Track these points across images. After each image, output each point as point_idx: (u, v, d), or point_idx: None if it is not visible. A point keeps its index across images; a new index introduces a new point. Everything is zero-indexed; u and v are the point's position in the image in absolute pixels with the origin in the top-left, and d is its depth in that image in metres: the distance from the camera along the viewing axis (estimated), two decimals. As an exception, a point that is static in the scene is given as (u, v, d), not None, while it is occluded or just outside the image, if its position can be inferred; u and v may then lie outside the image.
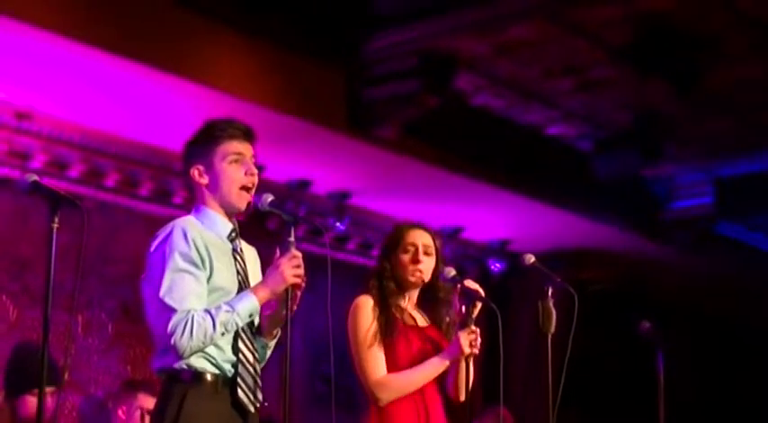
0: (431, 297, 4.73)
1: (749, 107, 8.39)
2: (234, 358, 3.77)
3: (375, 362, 4.47)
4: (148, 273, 3.77)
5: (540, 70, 7.79)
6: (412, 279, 4.61)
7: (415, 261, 4.61)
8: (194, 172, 3.91)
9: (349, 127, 7.65)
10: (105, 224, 7.73)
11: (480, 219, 9.54)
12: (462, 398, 4.63)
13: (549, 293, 4.79)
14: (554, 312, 4.75)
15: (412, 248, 4.63)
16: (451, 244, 9.49)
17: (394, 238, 4.68)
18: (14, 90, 6.78)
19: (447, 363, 4.53)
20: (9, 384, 5.55)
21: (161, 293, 3.68)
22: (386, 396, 4.46)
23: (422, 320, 4.69)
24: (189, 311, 3.66)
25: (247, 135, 3.94)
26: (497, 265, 10.19)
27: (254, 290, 3.79)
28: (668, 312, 9.94)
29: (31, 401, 5.28)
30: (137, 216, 7.93)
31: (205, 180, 3.90)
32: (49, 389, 5.11)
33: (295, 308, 3.82)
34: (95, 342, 7.68)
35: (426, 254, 4.64)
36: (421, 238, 4.66)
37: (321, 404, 8.76)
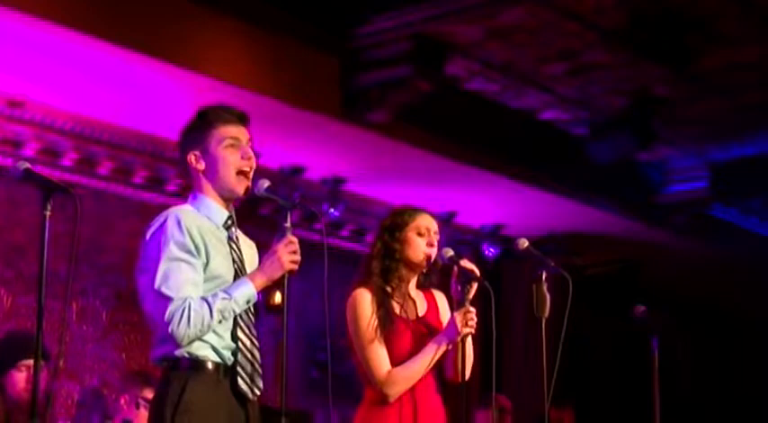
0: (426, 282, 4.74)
1: (744, 89, 8.37)
2: (233, 345, 3.77)
3: (379, 359, 4.46)
4: (143, 262, 3.76)
5: (534, 55, 7.78)
6: (424, 262, 4.60)
7: (430, 244, 4.61)
8: (191, 157, 3.90)
9: (342, 112, 7.63)
10: (99, 212, 7.72)
11: (474, 203, 9.54)
12: (464, 378, 4.63)
13: (543, 278, 4.79)
14: (548, 297, 4.75)
15: (427, 231, 4.63)
16: (445, 229, 9.45)
17: (402, 220, 4.65)
18: (6, 78, 6.77)
19: (445, 344, 4.53)
20: None
21: (157, 283, 3.67)
22: (394, 391, 4.46)
23: (422, 304, 4.70)
24: (186, 299, 3.65)
25: (242, 119, 3.94)
26: (491, 249, 10.19)
27: (251, 276, 3.79)
28: (663, 296, 9.96)
29: (17, 378, 5.29)
30: (130, 204, 7.93)
31: (202, 165, 3.89)
32: (29, 362, 5.12)
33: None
34: (90, 330, 7.68)
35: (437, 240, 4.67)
36: (432, 224, 4.67)
37: (316, 391, 8.76)
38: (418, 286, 4.71)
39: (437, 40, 7.42)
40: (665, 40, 7.38)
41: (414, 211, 4.72)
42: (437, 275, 4.73)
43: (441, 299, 4.77)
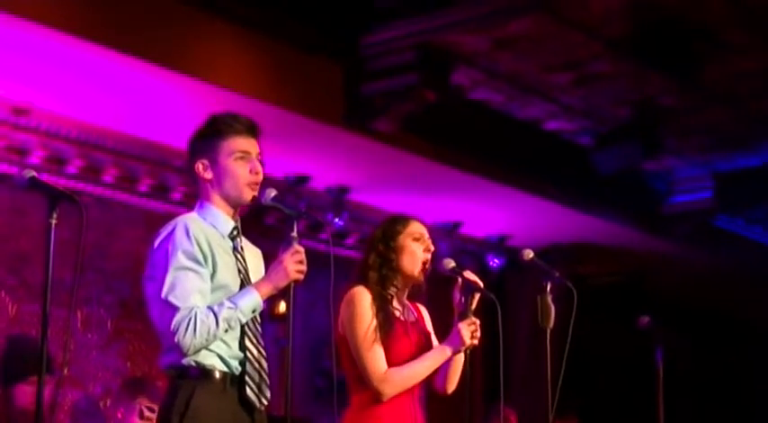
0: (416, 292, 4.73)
1: (749, 99, 8.37)
2: (241, 355, 3.77)
3: (377, 358, 4.41)
4: (151, 271, 3.76)
5: (539, 64, 7.78)
6: (423, 268, 4.59)
7: (428, 249, 4.61)
8: (199, 166, 3.89)
9: (347, 122, 7.63)
10: (104, 220, 7.73)
11: (479, 214, 9.54)
12: (451, 389, 4.62)
13: (548, 289, 4.79)
14: (553, 307, 4.75)
15: (422, 236, 4.62)
16: (450, 239, 9.48)
17: (395, 229, 4.63)
18: (12, 86, 6.77)
19: (449, 354, 4.51)
20: (2, 374, 5.53)
21: (164, 292, 3.66)
22: (389, 391, 4.43)
23: (414, 313, 4.68)
24: (192, 309, 3.65)
25: (252, 131, 3.92)
26: (496, 260, 10.18)
27: (257, 286, 3.79)
28: (668, 306, 9.95)
29: (26, 391, 5.29)
30: (135, 212, 7.93)
31: (209, 175, 3.88)
32: (34, 377, 5.13)
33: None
34: (94, 338, 7.68)
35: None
36: (425, 230, 4.66)
37: (320, 399, 8.76)
38: (407, 297, 4.69)
39: (442, 50, 7.42)
40: (670, 49, 7.38)
41: (405, 218, 4.70)
42: (426, 285, 4.70)
43: (425, 313, 4.77)
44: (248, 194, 3.87)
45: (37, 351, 5.29)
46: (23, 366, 5.32)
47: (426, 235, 4.65)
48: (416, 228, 4.65)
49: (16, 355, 5.53)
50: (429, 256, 4.60)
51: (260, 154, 3.92)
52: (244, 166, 3.86)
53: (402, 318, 4.57)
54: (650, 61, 7.56)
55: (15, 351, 5.63)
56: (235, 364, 3.76)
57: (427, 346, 4.56)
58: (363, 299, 4.48)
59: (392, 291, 4.58)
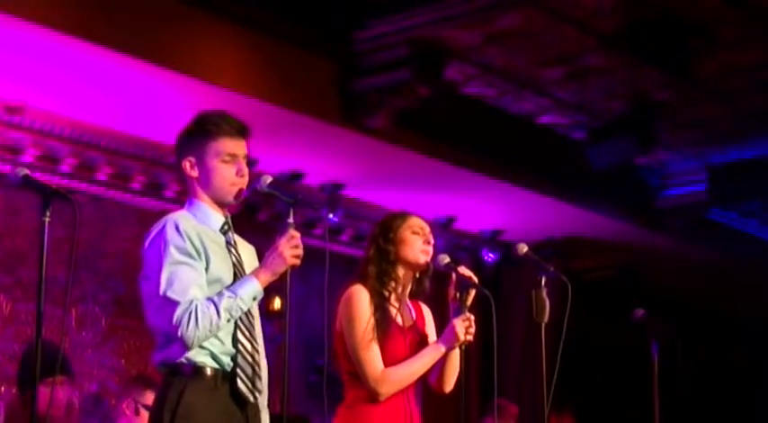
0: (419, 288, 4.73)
1: (742, 93, 8.37)
2: (233, 350, 3.77)
3: (373, 358, 4.42)
4: (145, 270, 3.76)
5: (532, 59, 7.78)
6: (423, 260, 4.58)
7: (427, 242, 4.60)
8: (186, 164, 3.89)
9: (341, 118, 7.63)
10: (98, 218, 7.73)
11: (473, 208, 9.54)
12: (448, 389, 4.63)
13: (543, 283, 4.79)
14: (547, 302, 4.75)
15: (421, 230, 4.62)
16: (444, 234, 9.48)
17: (394, 224, 4.63)
18: (5, 84, 6.77)
19: (443, 351, 4.51)
20: (23, 378, 5.53)
21: (162, 288, 3.66)
22: (386, 390, 4.43)
23: (413, 313, 4.68)
24: (192, 302, 3.65)
25: (241, 132, 3.91)
26: (490, 255, 10.19)
27: (256, 273, 3.78)
28: (662, 300, 9.96)
29: (44, 393, 5.29)
30: (129, 209, 7.93)
31: (195, 173, 3.88)
32: (59, 378, 5.14)
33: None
34: (89, 336, 7.68)
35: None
36: (425, 225, 4.65)
37: (315, 396, 8.75)
38: (410, 295, 4.69)
39: (435, 45, 7.42)
40: (663, 44, 7.37)
41: (404, 214, 4.71)
42: (430, 282, 4.70)
43: (427, 313, 4.75)
44: (231, 196, 3.87)
45: (53, 352, 5.34)
46: (42, 370, 5.33)
47: (427, 229, 4.65)
48: (416, 221, 4.65)
49: (33, 359, 5.53)
50: (430, 248, 4.60)
51: (247, 155, 3.91)
52: (230, 168, 3.86)
53: (399, 318, 4.56)
54: (644, 56, 7.56)
55: (31, 355, 5.62)
56: (227, 360, 3.76)
57: (422, 347, 4.56)
58: (361, 297, 4.48)
59: (391, 286, 4.57)
